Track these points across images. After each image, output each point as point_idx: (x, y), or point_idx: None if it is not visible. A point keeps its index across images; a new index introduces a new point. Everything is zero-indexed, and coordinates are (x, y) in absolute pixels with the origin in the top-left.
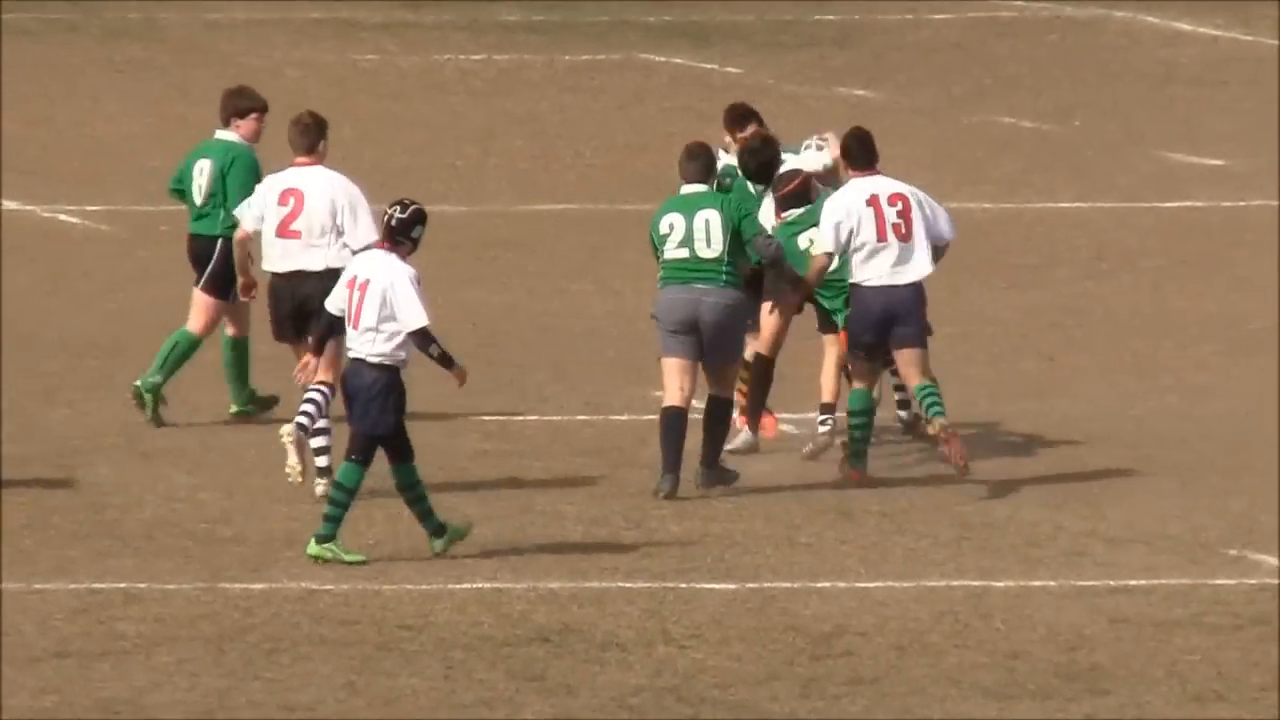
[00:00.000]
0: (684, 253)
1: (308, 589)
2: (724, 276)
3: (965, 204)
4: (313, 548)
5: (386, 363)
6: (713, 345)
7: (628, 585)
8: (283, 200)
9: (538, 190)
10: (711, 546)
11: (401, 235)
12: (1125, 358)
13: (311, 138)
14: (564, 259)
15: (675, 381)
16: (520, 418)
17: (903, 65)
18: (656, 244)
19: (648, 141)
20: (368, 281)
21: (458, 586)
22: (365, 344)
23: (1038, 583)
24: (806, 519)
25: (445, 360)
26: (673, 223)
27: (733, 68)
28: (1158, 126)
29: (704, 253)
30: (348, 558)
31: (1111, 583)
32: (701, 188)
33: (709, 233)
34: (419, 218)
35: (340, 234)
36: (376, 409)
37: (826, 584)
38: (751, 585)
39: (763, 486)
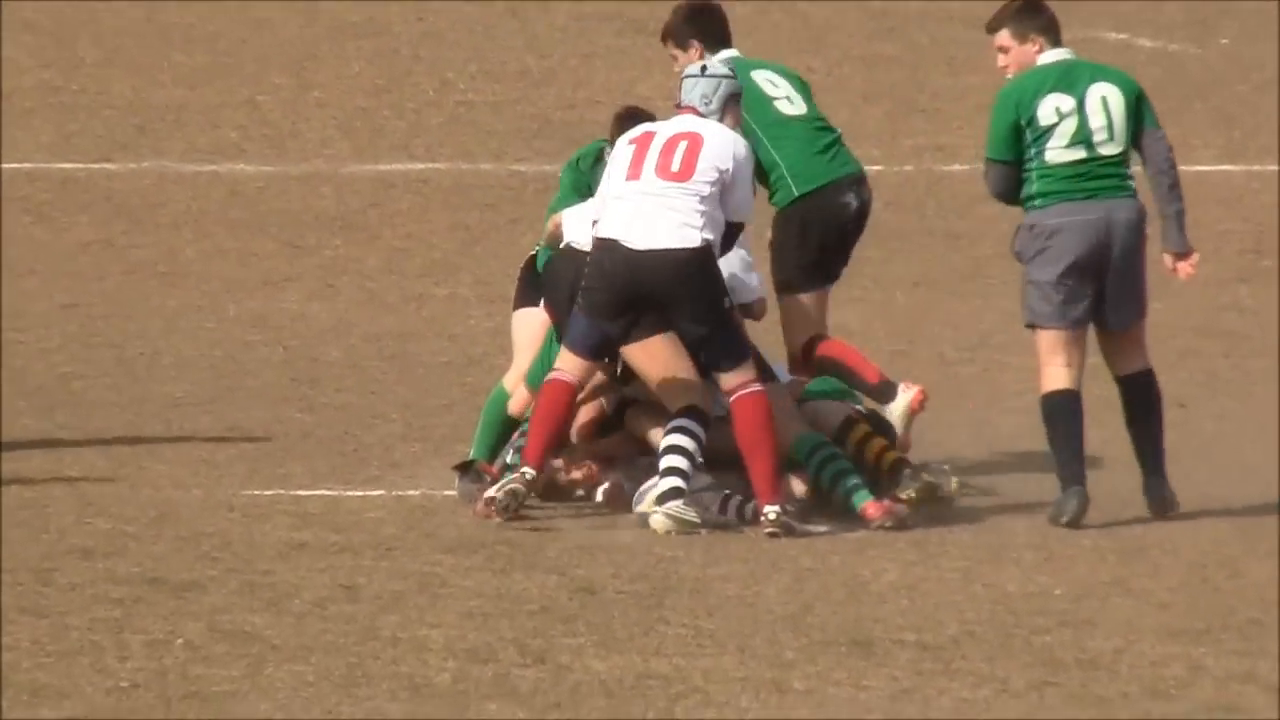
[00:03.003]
0: (1079, 152)
1: None
2: (1130, 184)
3: None
4: None
5: None
6: (1120, 288)
7: None
8: None
9: None
10: (654, 697)
11: None
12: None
13: None
14: None
15: (1064, 355)
16: None
17: None
18: (1026, 139)
19: (559, 65)
20: None
21: None
22: None
23: None
24: (803, 651)
25: None
26: (1059, 106)
27: None
28: None
29: (1105, 149)
30: None
31: None
32: (1067, 54)
33: (1110, 118)
34: None
35: None
36: None
37: None
38: None
39: (734, 594)
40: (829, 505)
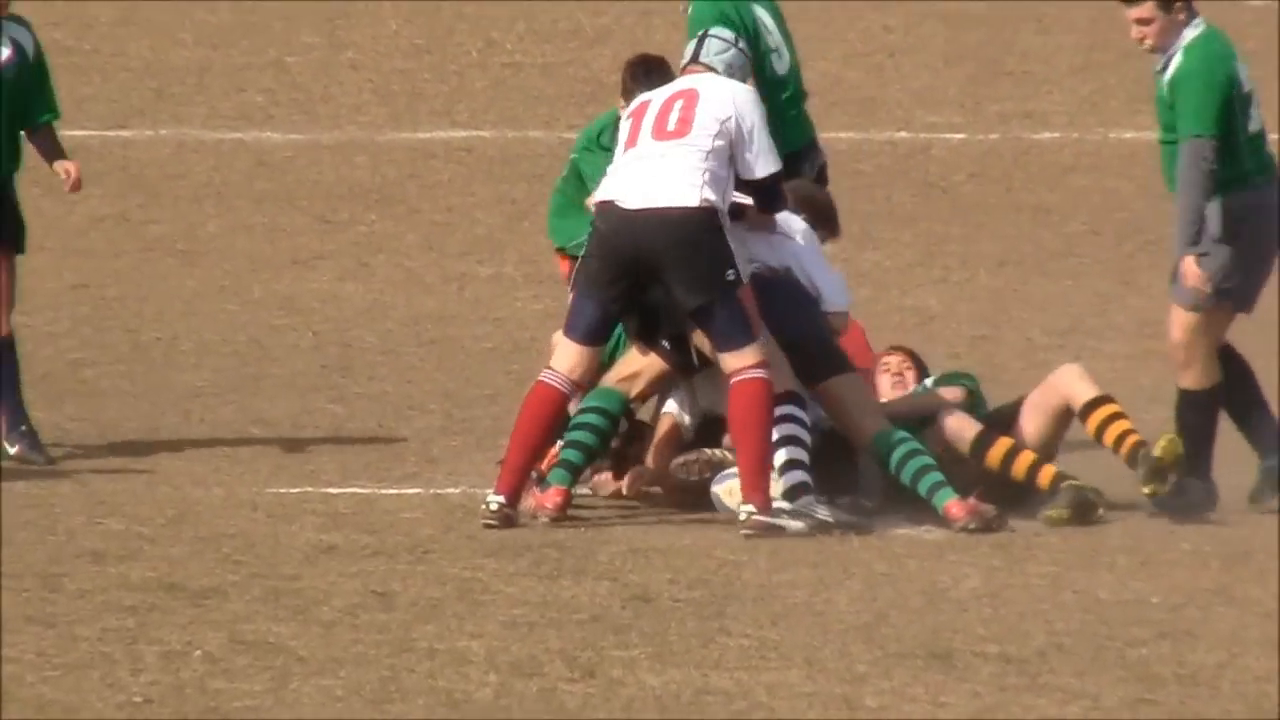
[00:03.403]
0: (1258, 124)
1: None
2: None
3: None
4: None
5: None
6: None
7: None
8: None
9: None
10: (714, 714)
11: None
12: None
13: None
14: None
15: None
16: None
17: None
18: (1216, 115)
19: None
20: None
21: None
22: None
23: None
24: (876, 664)
25: None
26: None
27: None
28: None
29: (1257, 124)
30: None
31: None
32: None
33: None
34: None
35: None
36: None
37: None
38: None
39: (801, 602)
40: (910, 503)
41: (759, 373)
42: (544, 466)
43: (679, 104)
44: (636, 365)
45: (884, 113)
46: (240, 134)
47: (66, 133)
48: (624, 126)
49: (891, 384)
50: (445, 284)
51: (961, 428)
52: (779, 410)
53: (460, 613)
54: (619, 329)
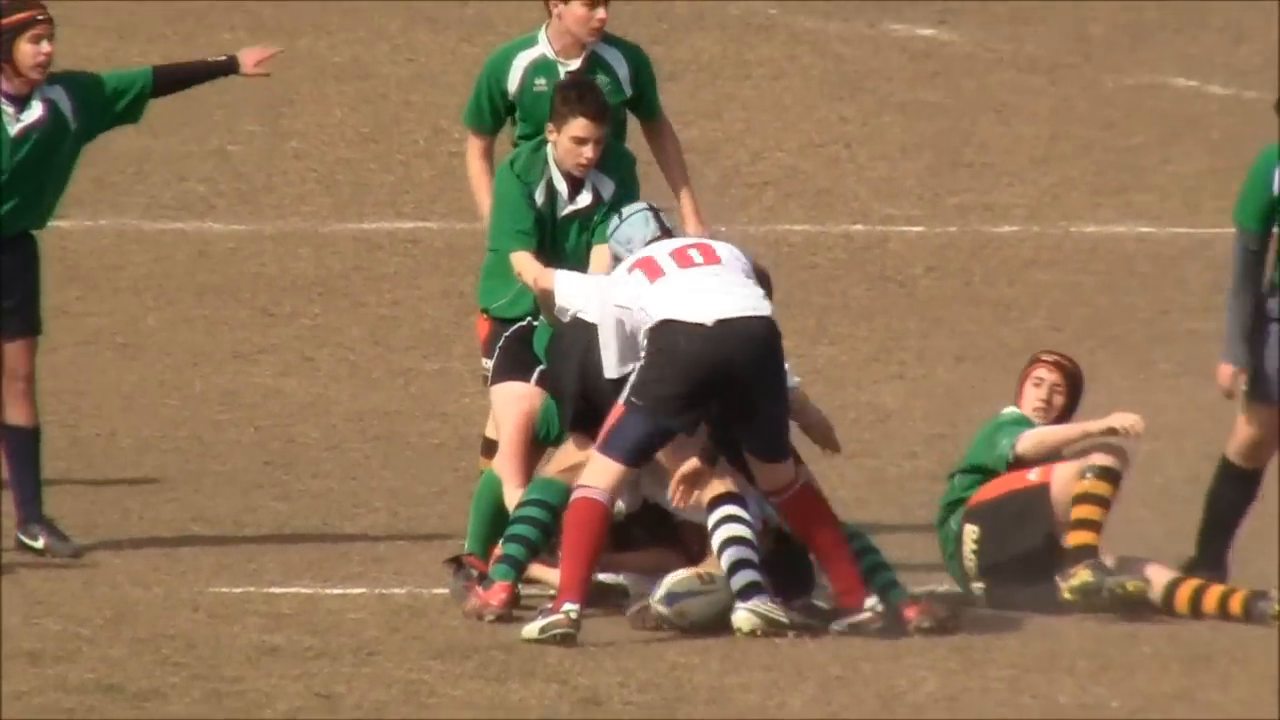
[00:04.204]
0: None
1: None
2: None
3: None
4: None
5: None
6: None
7: None
8: None
9: None
10: None
11: None
12: None
13: None
14: None
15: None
16: None
17: None
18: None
19: None
20: None
21: None
22: None
23: None
24: None
25: None
26: None
27: None
28: None
29: None
30: None
31: None
32: None
33: None
34: None
35: None
36: None
37: None
38: None
39: (755, 705)
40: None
41: (801, 481)
42: (486, 565)
43: (692, 250)
44: (578, 457)
45: (840, 204)
46: (181, 224)
47: None
48: (635, 274)
49: (1034, 404)
50: (391, 378)
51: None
52: (720, 512)
53: (406, 715)
54: (554, 413)
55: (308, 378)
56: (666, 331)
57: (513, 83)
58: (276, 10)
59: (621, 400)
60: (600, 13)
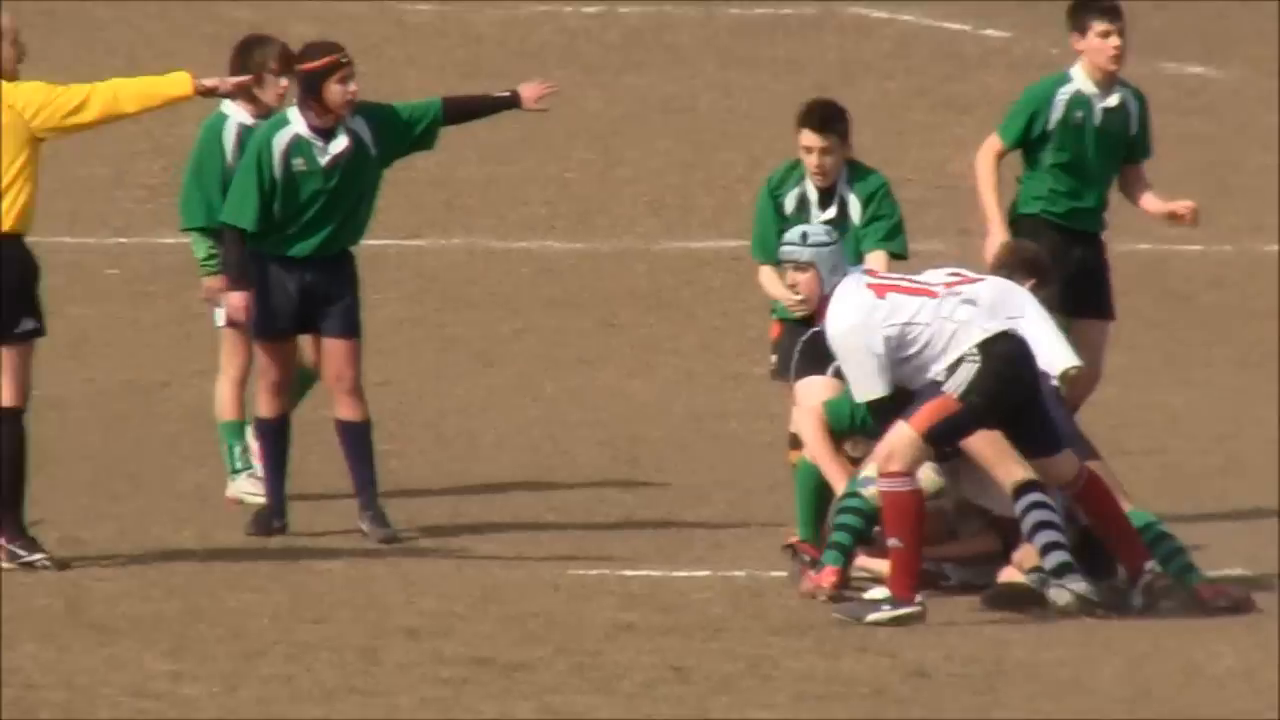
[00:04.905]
0: None
1: None
2: None
3: None
4: None
5: None
6: None
7: None
8: None
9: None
10: None
11: None
12: None
13: None
14: None
15: None
16: None
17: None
18: None
19: (871, 143)
20: None
21: None
22: None
23: None
24: None
25: None
26: None
27: (994, 29)
28: None
29: None
30: None
31: None
32: None
33: None
34: None
35: None
36: None
37: None
38: None
39: (1068, 679)
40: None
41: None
42: (815, 550)
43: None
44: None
45: (1126, 226)
46: (526, 243)
47: (365, 241)
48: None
49: None
50: (722, 382)
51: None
52: (1026, 499)
53: (751, 687)
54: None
55: (648, 381)
56: (1000, 340)
57: (1055, 112)
58: (599, 49)
59: (953, 393)
60: (1114, 41)
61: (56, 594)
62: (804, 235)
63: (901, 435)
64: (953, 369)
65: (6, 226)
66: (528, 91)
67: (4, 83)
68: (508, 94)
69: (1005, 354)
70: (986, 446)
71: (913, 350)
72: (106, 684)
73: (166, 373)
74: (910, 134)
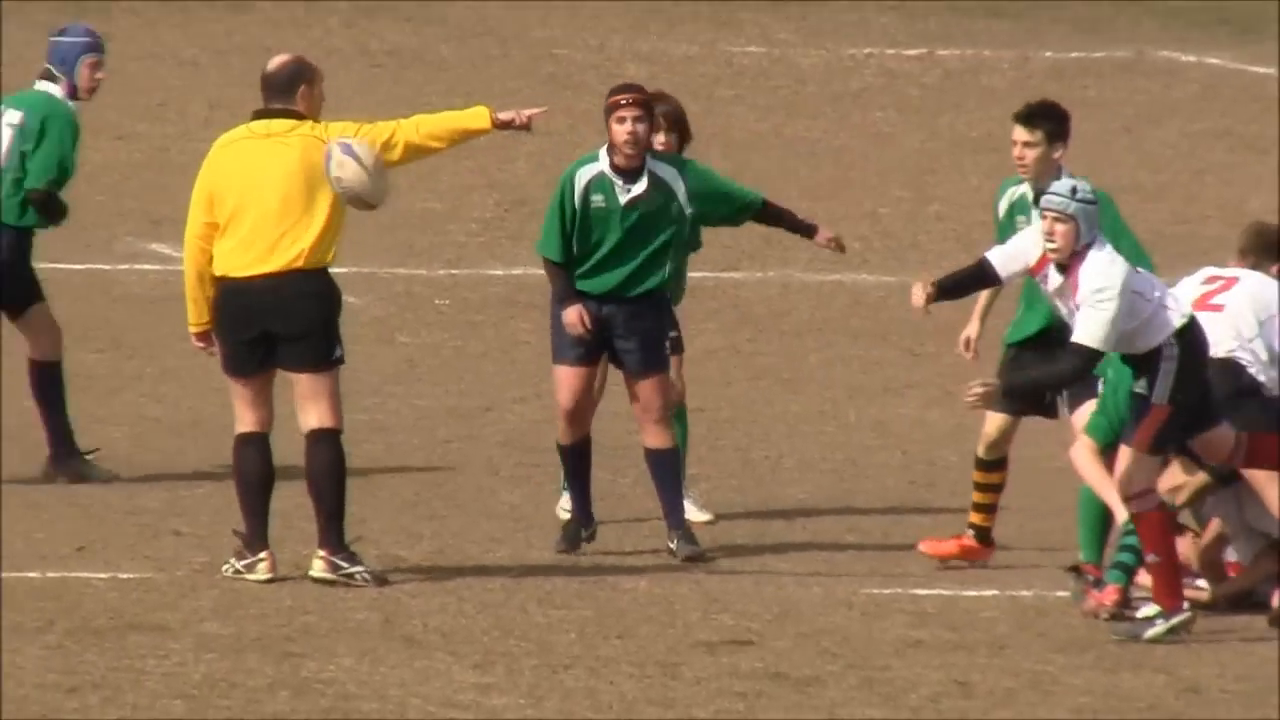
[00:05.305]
0: None
1: None
2: None
3: None
4: None
5: None
6: None
7: None
8: None
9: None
10: None
11: None
12: None
13: None
14: None
15: None
16: None
17: None
18: None
19: (1171, 181)
20: None
21: None
22: None
23: None
24: None
25: None
26: None
27: None
28: None
29: None
30: None
31: None
32: None
33: None
34: None
35: None
36: None
37: None
38: None
39: None
40: None
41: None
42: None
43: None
44: (1181, 478)
45: None
46: (839, 276)
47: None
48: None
49: None
50: None
51: None
52: None
53: (1032, 701)
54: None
55: (949, 409)
56: (1197, 330)
57: None
58: (918, 90)
59: (1161, 401)
60: None
61: (374, 608)
62: (1073, 190)
63: (1129, 459)
64: (1150, 361)
65: (319, 261)
66: (823, 234)
67: (311, 121)
68: (810, 225)
69: (1194, 343)
70: (1263, 473)
71: (1131, 324)
72: (417, 695)
73: (489, 399)
74: (1211, 173)
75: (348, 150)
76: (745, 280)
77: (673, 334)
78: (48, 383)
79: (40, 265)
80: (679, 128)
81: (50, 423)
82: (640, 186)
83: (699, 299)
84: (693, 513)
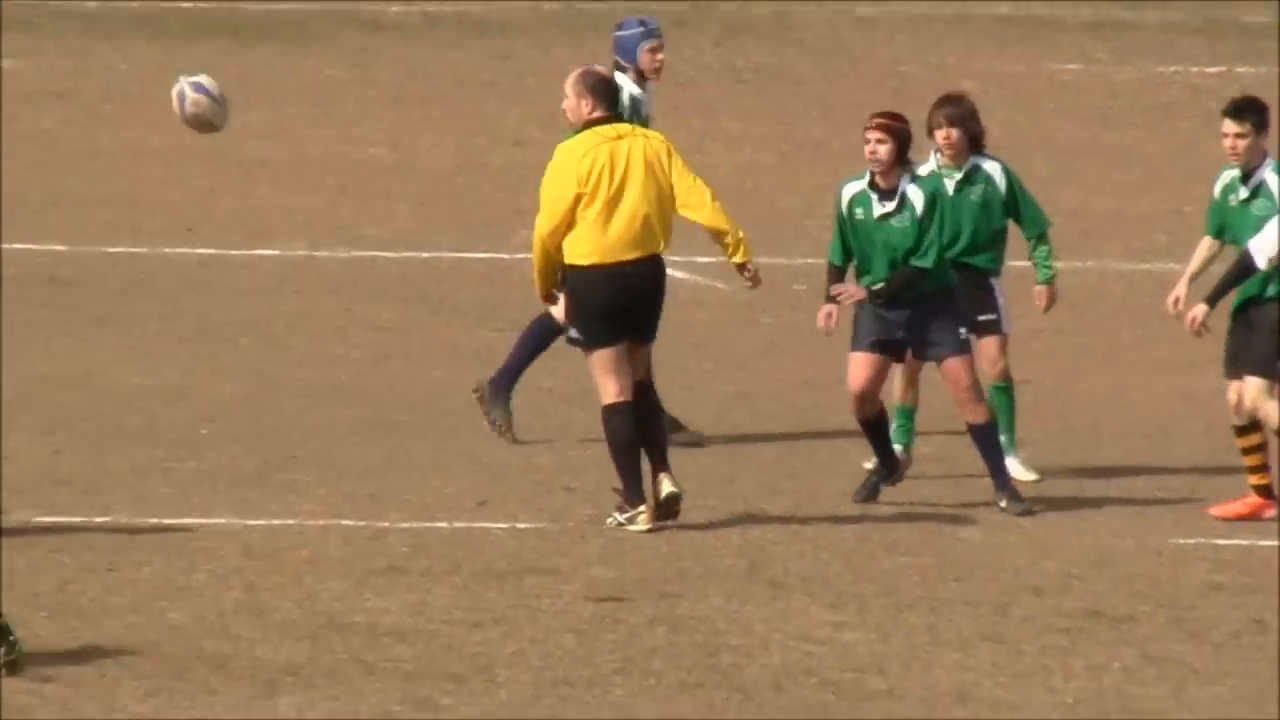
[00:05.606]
0: None
1: None
2: None
3: None
4: None
5: None
6: None
7: None
8: None
9: None
10: None
11: None
12: None
13: None
14: None
15: None
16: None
17: None
18: None
19: None
20: None
21: None
22: None
23: None
24: None
25: None
26: None
27: None
28: None
29: None
30: None
31: None
32: None
33: None
34: None
35: None
36: None
37: None
38: None
39: None
40: None
41: None
42: None
43: None
44: None
45: None
46: (1148, 265)
47: (1009, 263)
48: None
49: None
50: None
51: None
52: None
53: None
54: None
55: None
56: None
57: None
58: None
59: None
60: None
61: (741, 554)
62: None
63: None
64: None
65: (663, 248)
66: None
67: (634, 126)
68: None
69: None
70: None
71: None
72: (778, 631)
73: (840, 372)
74: None
75: (200, 89)
76: (1065, 269)
77: (986, 317)
78: (545, 334)
79: (451, 255)
80: (964, 126)
81: (514, 358)
82: (888, 205)
83: (1025, 285)
84: (1020, 472)
